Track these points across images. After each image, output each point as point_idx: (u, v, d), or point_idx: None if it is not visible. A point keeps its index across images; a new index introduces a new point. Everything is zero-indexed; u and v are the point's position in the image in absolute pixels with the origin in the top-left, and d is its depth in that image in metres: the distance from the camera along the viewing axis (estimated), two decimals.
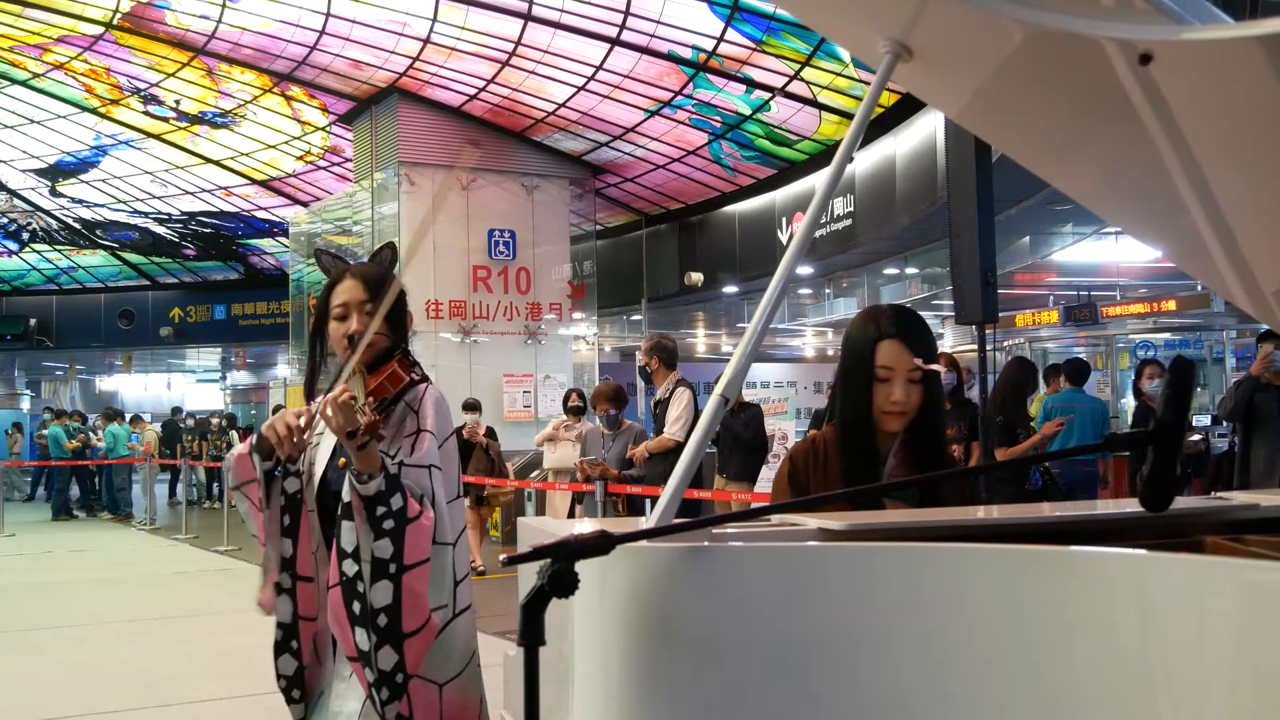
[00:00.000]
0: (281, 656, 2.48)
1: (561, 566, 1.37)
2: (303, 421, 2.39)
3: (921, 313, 2.57)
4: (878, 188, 13.97)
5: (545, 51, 14.24)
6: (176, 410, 24.10)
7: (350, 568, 2.32)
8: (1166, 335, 18.04)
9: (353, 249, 16.45)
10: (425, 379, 2.61)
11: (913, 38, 1.85)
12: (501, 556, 1.46)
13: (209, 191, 21.94)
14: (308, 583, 2.47)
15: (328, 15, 14.24)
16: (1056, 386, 9.68)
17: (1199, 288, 14.80)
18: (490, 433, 10.96)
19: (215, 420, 22.37)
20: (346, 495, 2.33)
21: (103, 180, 22.05)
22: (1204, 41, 1.49)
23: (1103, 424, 9.13)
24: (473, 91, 15.55)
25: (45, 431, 19.99)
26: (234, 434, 20.65)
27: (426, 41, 14.43)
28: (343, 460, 2.37)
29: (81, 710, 5.96)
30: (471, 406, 10.97)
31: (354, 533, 2.31)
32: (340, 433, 2.26)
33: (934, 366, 2.34)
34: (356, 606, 2.31)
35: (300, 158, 19.78)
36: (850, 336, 2.40)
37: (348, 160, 18.43)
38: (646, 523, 1.69)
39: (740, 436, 9.15)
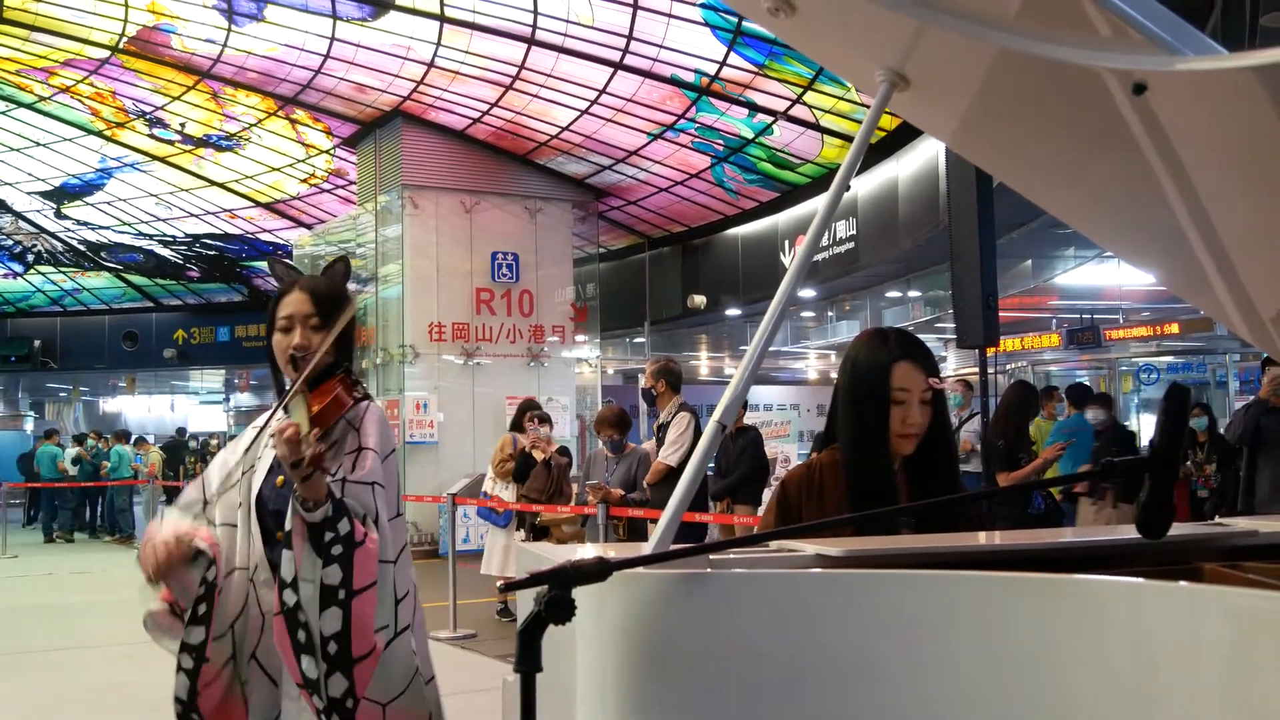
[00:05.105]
0: None
1: (558, 593, 1.37)
2: (174, 540, 2.40)
3: (924, 336, 2.57)
4: (880, 211, 14.00)
5: (548, 75, 14.30)
6: (181, 431, 24.06)
7: (290, 598, 2.32)
8: (1169, 358, 17.99)
9: (357, 272, 16.48)
10: (367, 397, 2.61)
11: (908, 67, 1.86)
12: (500, 583, 1.46)
13: (213, 214, 22.01)
14: (207, 664, 2.46)
15: (332, 39, 14.33)
16: (1051, 410, 9.70)
17: (1202, 311, 14.75)
18: (564, 451, 9.22)
19: (214, 442, 22.32)
20: (289, 524, 2.33)
21: (107, 203, 22.13)
22: (1198, 72, 1.50)
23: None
24: (476, 115, 15.61)
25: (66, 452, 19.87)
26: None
27: (430, 65, 14.50)
28: (280, 479, 2.35)
29: None
30: (543, 420, 9.10)
31: (293, 562, 2.31)
32: (286, 463, 2.27)
33: (946, 384, 2.34)
34: (301, 635, 2.31)
35: (304, 180, 19.84)
36: (859, 360, 2.34)
37: (352, 183, 18.48)
38: (645, 549, 1.69)
39: (737, 461, 9.10)
